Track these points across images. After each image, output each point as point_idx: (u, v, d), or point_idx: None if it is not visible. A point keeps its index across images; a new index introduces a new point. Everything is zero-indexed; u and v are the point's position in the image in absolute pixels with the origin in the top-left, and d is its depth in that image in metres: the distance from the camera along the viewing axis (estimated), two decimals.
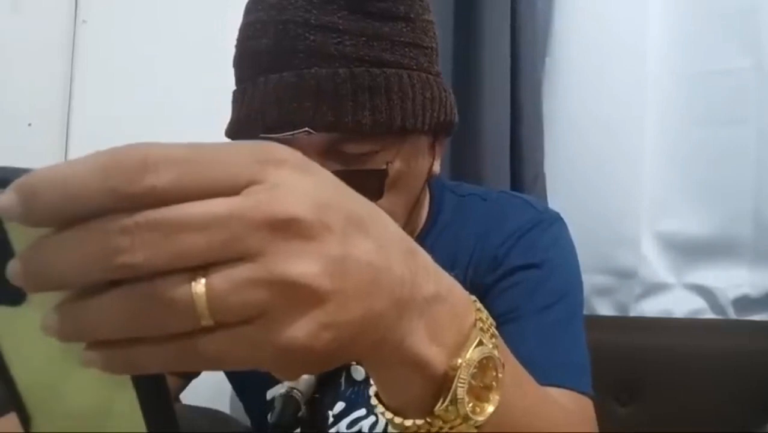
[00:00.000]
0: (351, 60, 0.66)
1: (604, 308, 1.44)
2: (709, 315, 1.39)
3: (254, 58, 0.69)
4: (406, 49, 0.69)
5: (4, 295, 0.27)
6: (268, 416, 0.80)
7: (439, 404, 0.34)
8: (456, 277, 0.37)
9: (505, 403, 0.37)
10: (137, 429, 0.30)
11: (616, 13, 1.43)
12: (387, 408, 0.38)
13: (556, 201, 1.41)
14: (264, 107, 0.67)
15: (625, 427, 1.26)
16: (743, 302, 1.38)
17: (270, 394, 0.81)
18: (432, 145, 0.76)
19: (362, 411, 0.78)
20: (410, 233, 0.78)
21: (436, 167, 0.77)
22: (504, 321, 0.71)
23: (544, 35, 1.47)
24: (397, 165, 0.69)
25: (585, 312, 0.79)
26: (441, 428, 0.35)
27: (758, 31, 1.35)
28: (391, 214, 0.74)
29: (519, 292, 0.74)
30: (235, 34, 0.73)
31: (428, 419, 0.35)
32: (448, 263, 0.77)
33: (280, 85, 0.66)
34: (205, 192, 0.25)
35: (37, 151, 1.52)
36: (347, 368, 0.78)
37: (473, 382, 0.35)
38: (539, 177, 1.41)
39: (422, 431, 0.36)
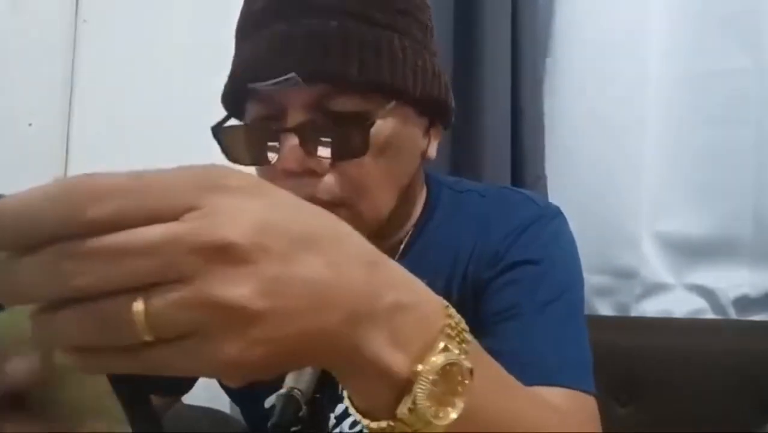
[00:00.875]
0: (344, 14, 0.66)
1: (604, 308, 1.44)
2: (709, 315, 1.39)
3: (252, 16, 0.69)
4: (400, 16, 0.69)
5: None
6: (269, 423, 0.79)
7: (400, 408, 0.36)
8: (431, 284, 0.38)
9: (476, 407, 0.38)
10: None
11: (617, 14, 1.43)
12: (357, 410, 0.39)
13: (556, 201, 1.40)
14: (255, 58, 0.67)
15: (625, 427, 1.26)
16: (743, 302, 1.38)
17: (268, 402, 0.81)
18: (427, 130, 0.75)
19: None
20: (404, 220, 0.78)
21: (432, 151, 0.76)
22: (505, 318, 0.71)
23: (545, 35, 1.47)
24: (385, 129, 0.68)
25: (585, 312, 0.79)
26: (405, 431, 0.36)
27: (758, 32, 1.35)
28: (380, 182, 0.72)
29: (519, 288, 0.73)
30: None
31: (391, 423, 0.36)
32: (448, 259, 0.77)
33: (272, 36, 0.66)
34: (146, 219, 0.28)
35: (37, 151, 1.52)
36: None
37: (435, 388, 0.36)
38: (540, 178, 1.41)
39: (387, 432, 0.37)
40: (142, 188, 0.28)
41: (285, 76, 0.64)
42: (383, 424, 0.37)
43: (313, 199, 0.62)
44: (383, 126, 0.67)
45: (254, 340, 0.29)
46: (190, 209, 0.28)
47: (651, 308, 1.42)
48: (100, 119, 1.53)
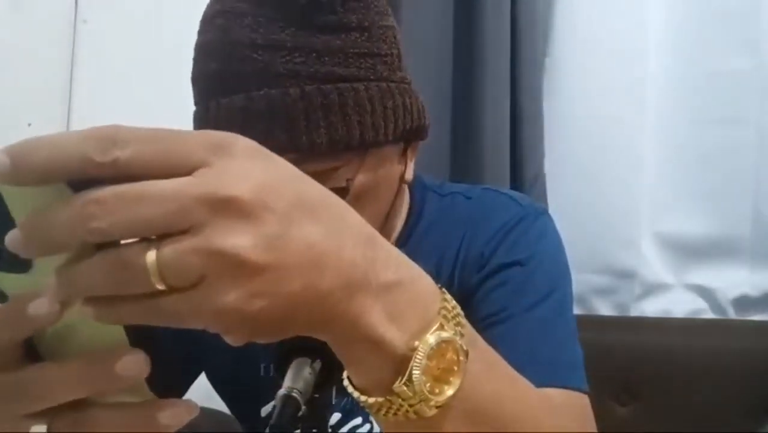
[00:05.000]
0: (301, 78, 0.64)
1: (604, 308, 1.44)
2: (709, 315, 1.39)
3: (205, 81, 0.67)
4: (362, 60, 0.67)
5: (12, 264, 0.32)
6: (269, 424, 0.79)
7: (397, 382, 0.37)
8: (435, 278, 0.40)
9: (472, 387, 0.39)
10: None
11: (616, 14, 1.44)
12: (355, 388, 0.40)
13: (556, 201, 1.41)
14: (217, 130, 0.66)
15: (625, 427, 1.26)
16: (743, 302, 1.38)
17: (264, 411, 0.80)
18: (404, 152, 0.74)
19: (358, 420, 0.78)
20: (388, 234, 0.77)
21: (409, 174, 0.75)
22: (493, 323, 0.71)
23: (545, 36, 1.47)
24: (360, 179, 0.67)
25: (585, 312, 0.78)
26: (401, 406, 0.37)
27: (758, 32, 1.35)
28: None
29: (506, 291, 0.73)
30: None
31: (388, 397, 0.37)
32: (435, 264, 0.77)
33: (231, 110, 0.64)
34: (161, 169, 0.30)
35: None
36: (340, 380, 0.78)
37: (430, 363, 0.37)
38: (539, 177, 1.41)
39: (384, 408, 0.38)
40: (159, 141, 0.31)
41: None
42: (380, 399, 0.38)
43: None
44: (357, 179, 0.67)
45: (254, 291, 0.31)
46: (201, 166, 0.31)
47: (650, 308, 1.42)
48: (100, 119, 1.52)
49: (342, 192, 0.65)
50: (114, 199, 0.30)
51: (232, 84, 0.65)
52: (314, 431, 0.78)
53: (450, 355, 0.38)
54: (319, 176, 0.65)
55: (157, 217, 0.30)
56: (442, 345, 0.37)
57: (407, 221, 0.81)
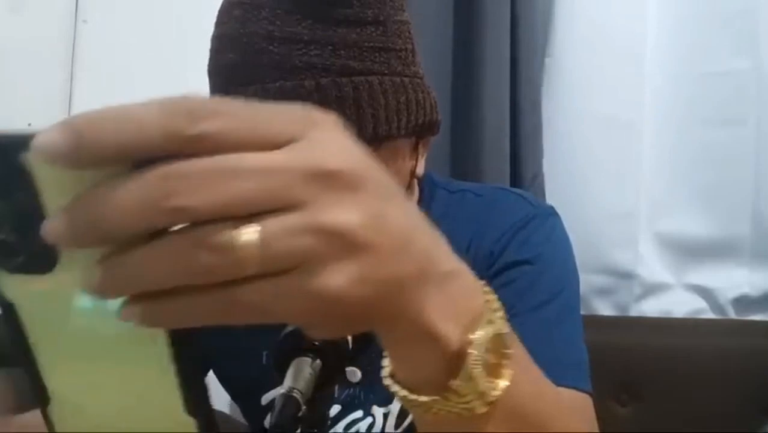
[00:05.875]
0: (317, 71, 0.65)
1: (603, 308, 1.44)
2: (709, 315, 1.39)
3: (222, 72, 0.68)
4: (377, 54, 0.67)
5: (31, 263, 0.27)
6: (267, 418, 0.80)
7: (455, 379, 0.35)
8: None
9: (514, 383, 0.37)
10: (167, 403, 0.30)
11: (616, 14, 1.44)
12: (402, 386, 0.38)
13: (555, 201, 1.41)
14: None
15: (625, 427, 1.26)
16: (743, 302, 1.38)
17: (265, 399, 0.81)
18: (415, 147, 0.75)
19: (359, 413, 0.78)
20: None
21: (420, 169, 0.76)
22: None
23: (544, 36, 1.47)
24: None
25: (585, 312, 0.79)
26: (455, 403, 0.36)
27: (757, 32, 1.36)
28: None
29: (513, 290, 0.73)
30: None
31: (444, 394, 0.35)
32: None
33: (245, 100, 0.65)
34: (255, 142, 0.26)
35: None
36: (340, 376, 0.78)
37: (487, 357, 0.35)
38: (538, 176, 1.41)
39: (436, 407, 0.36)
40: (249, 113, 0.27)
41: None
42: (433, 397, 0.36)
43: None
44: None
45: (360, 276, 0.28)
46: (295, 140, 0.27)
47: (650, 308, 1.42)
48: None
49: None
50: (203, 174, 0.25)
51: (247, 75, 0.65)
52: (314, 431, 0.78)
53: (501, 348, 0.36)
54: None
55: (256, 193, 0.26)
56: (496, 337, 0.36)
57: None
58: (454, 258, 0.35)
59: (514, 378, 0.37)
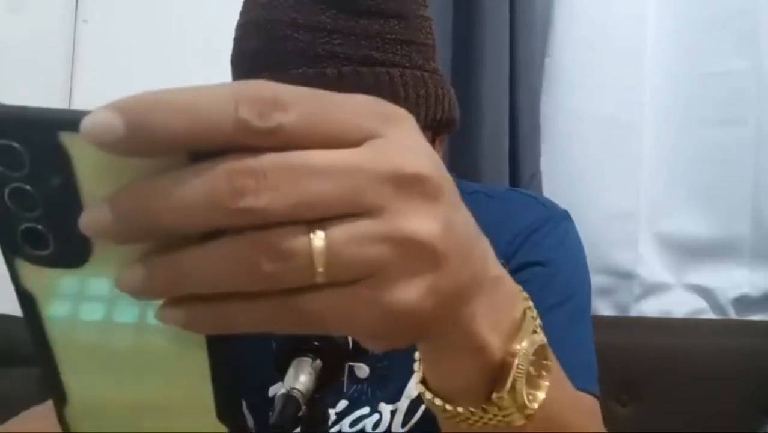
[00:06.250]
0: (339, 60, 0.66)
1: (603, 308, 1.44)
2: (709, 315, 1.39)
3: (246, 58, 0.69)
4: (398, 47, 0.68)
5: (62, 256, 0.24)
6: (270, 415, 0.79)
7: (497, 392, 0.33)
8: None
9: (551, 395, 0.36)
10: (197, 407, 0.28)
11: (615, 14, 1.44)
12: (436, 394, 0.36)
13: (555, 201, 1.40)
14: None
15: (625, 427, 1.26)
16: (743, 302, 1.38)
17: (272, 391, 0.81)
18: (432, 143, 0.75)
19: (365, 409, 0.78)
20: None
21: None
22: None
23: (544, 36, 1.47)
24: None
25: None
26: (494, 416, 0.34)
27: (756, 33, 1.36)
28: None
29: (526, 291, 0.73)
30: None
31: (484, 406, 0.34)
32: None
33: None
34: (329, 137, 0.24)
35: None
36: (350, 366, 0.78)
37: (530, 370, 0.34)
38: (536, 176, 1.42)
39: (473, 418, 0.34)
40: (326, 103, 0.25)
41: None
42: (473, 409, 0.34)
43: None
44: None
45: (433, 286, 0.26)
46: (372, 137, 0.25)
47: (650, 308, 1.42)
48: None
49: None
50: (276, 172, 0.23)
51: (271, 62, 0.66)
52: (314, 431, 0.78)
53: (543, 360, 0.35)
54: None
55: (330, 195, 0.24)
56: (539, 350, 0.34)
57: None
58: (497, 261, 0.34)
59: (550, 390, 0.36)
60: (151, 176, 0.23)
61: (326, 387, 0.78)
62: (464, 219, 0.29)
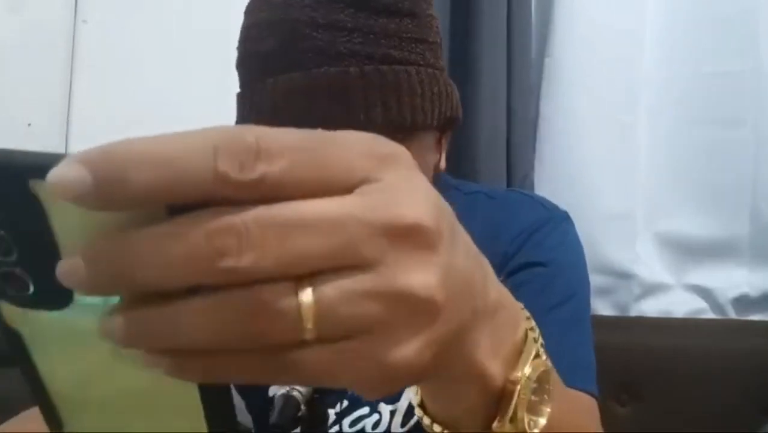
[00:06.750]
0: (360, 58, 0.66)
1: (603, 308, 1.44)
2: (709, 315, 1.39)
3: (261, 59, 0.68)
4: (413, 45, 0.69)
5: (45, 298, 0.24)
6: (270, 415, 0.80)
7: (497, 421, 0.32)
8: None
9: (551, 417, 0.35)
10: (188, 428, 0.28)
11: (615, 14, 1.43)
12: (434, 420, 0.35)
13: (554, 201, 1.41)
14: (275, 107, 0.66)
15: (625, 427, 1.26)
16: (743, 302, 1.38)
17: (272, 391, 0.81)
18: (438, 141, 0.76)
19: (365, 409, 0.78)
20: None
21: (442, 163, 0.77)
22: None
23: (544, 35, 1.47)
24: None
25: None
26: None
27: (755, 33, 1.35)
28: None
29: (526, 291, 0.74)
30: (237, 33, 0.73)
31: None
32: None
33: (291, 86, 0.65)
34: (319, 185, 0.23)
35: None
36: None
37: (532, 397, 0.33)
38: (528, 176, 1.42)
39: None
40: (314, 148, 0.23)
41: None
42: None
43: None
44: None
45: (432, 339, 0.25)
46: (366, 181, 0.23)
47: (650, 308, 1.42)
48: (100, 119, 1.53)
49: None
50: (260, 228, 0.21)
51: (291, 61, 0.66)
52: (314, 431, 0.78)
53: (545, 385, 0.34)
54: None
55: (320, 250, 0.22)
56: (541, 376, 0.34)
57: None
58: (497, 282, 0.32)
59: (552, 411, 0.35)
60: (126, 228, 0.22)
61: (326, 388, 0.78)
62: (463, 255, 0.27)
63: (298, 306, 0.22)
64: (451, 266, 0.25)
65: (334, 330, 0.23)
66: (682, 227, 1.41)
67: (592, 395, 0.68)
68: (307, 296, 0.22)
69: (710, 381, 1.25)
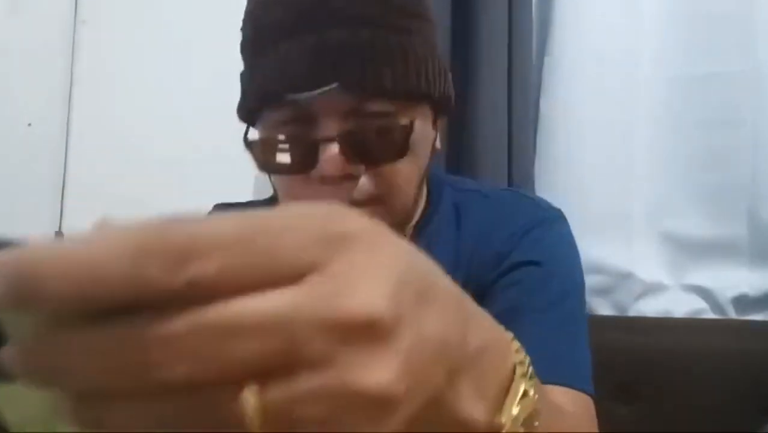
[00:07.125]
0: (370, 24, 0.67)
1: (602, 308, 1.44)
2: (709, 315, 1.39)
3: (274, 27, 0.69)
4: (414, 20, 0.70)
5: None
6: None
7: None
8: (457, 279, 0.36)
9: None
10: None
11: (614, 14, 1.44)
12: None
13: (553, 201, 1.40)
14: (288, 68, 0.66)
15: (625, 427, 1.26)
16: (743, 302, 1.38)
17: None
18: (434, 122, 0.76)
19: None
20: (408, 221, 0.77)
21: (438, 143, 0.78)
22: (506, 320, 0.71)
23: (544, 35, 1.47)
24: (417, 125, 0.70)
25: None
26: None
27: (754, 34, 1.36)
28: (409, 178, 0.74)
29: (521, 290, 0.74)
30: (237, 33, 0.73)
31: None
32: (450, 261, 0.77)
33: (304, 47, 0.66)
34: (260, 280, 0.21)
35: (36, 151, 1.52)
36: None
37: None
38: (529, 177, 1.42)
39: None
40: (254, 240, 0.21)
41: (327, 87, 0.64)
42: None
43: (352, 201, 0.65)
44: (414, 128, 0.69)
45: (397, 423, 0.23)
46: (313, 270, 0.22)
47: (649, 308, 1.42)
48: (100, 119, 1.53)
49: (407, 131, 0.67)
50: (193, 336, 0.20)
51: (305, 25, 0.66)
52: None
53: (532, 423, 0.33)
54: (383, 117, 0.67)
55: (261, 354, 0.21)
56: (528, 418, 0.32)
57: (423, 211, 0.81)
58: (483, 322, 0.31)
59: None
60: (55, 328, 0.20)
61: None
62: (439, 310, 0.25)
63: (243, 410, 0.21)
64: (414, 345, 0.24)
65: (282, 430, 0.22)
66: (681, 227, 1.41)
67: (587, 394, 0.68)
68: (252, 399, 0.21)
69: (710, 381, 1.25)
